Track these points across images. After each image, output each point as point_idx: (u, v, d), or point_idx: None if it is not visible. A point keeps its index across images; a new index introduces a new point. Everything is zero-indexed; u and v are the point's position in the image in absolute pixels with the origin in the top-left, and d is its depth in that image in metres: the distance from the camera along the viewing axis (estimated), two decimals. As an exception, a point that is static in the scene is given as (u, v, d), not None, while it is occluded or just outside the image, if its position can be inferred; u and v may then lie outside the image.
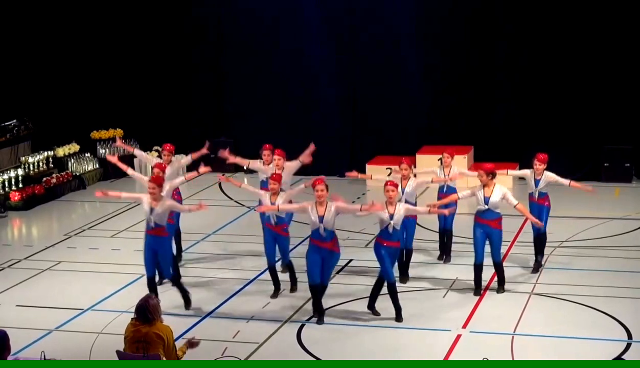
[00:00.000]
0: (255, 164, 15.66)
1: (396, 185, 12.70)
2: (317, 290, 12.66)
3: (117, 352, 9.90)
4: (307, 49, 22.20)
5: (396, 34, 21.66)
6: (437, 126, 21.47)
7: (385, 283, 12.58)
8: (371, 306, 12.94)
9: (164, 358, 9.77)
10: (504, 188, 13.61)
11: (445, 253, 15.54)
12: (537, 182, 14.51)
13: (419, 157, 20.53)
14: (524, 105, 21.03)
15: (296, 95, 22.38)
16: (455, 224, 15.65)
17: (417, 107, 21.61)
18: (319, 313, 12.80)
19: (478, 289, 13.74)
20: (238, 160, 16.17)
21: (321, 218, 12.30)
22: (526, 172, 14.89)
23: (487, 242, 13.56)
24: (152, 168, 14.69)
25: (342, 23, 22.03)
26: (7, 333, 8.93)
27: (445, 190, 15.14)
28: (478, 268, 13.71)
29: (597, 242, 15.38)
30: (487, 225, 13.50)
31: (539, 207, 14.52)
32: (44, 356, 9.67)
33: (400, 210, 12.43)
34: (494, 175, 13.49)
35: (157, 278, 13.36)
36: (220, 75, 22.98)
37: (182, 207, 14.04)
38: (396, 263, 13.27)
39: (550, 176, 14.45)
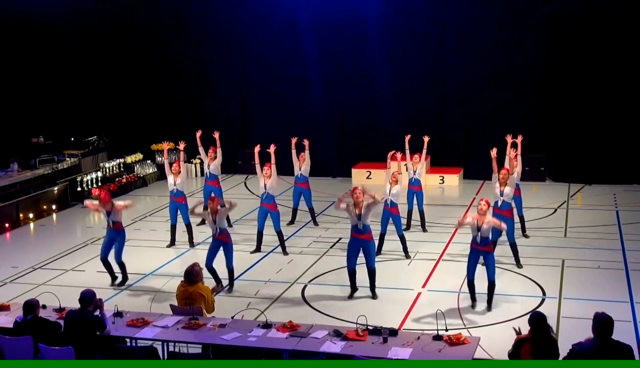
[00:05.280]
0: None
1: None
2: (350, 273, 12.13)
3: (171, 305, 9.92)
4: (307, 78, 21.70)
5: (372, 65, 21.23)
6: (403, 139, 21.18)
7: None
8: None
9: (205, 310, 9.80)
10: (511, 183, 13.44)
11: (422, 225, 15.79)
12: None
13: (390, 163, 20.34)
14: (465, 123, 20.86)
15: (297, 115, 21.87)
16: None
17: (388, 124, 21.13)
18: (352, 289, 12.18)
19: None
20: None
21: (359, 216, 11.81)
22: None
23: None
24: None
25: (332, 59, 21.53)
26: (95, 292, 9.04)
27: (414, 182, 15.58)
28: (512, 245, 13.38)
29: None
30: (502, 214, 13.18)
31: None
32: (117, 308, 9.70)
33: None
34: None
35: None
36: (244, 100, 22.80)
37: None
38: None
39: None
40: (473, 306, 11.55)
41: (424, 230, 15.65)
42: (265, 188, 14.39)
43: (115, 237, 12.87)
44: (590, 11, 19.44)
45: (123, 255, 12.93)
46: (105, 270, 13.02)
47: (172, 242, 15.13)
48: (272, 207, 14.48)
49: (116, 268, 13.02)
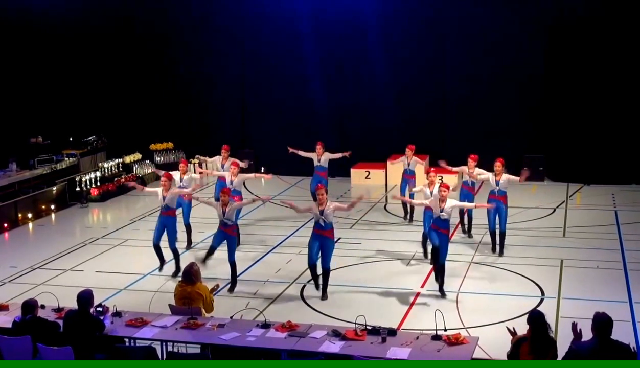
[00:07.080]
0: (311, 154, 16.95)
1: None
2: (311, 268, 12.12)
3: (169, 305, 9.91)
4: (306, 78, 21.66)
5: (372, 65, 21.22)
6: (402, 139, 21.17)
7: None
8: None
9: (204, 310, 9.79)
10: (506, 175, 13.77)
11: (410, 215, 16.36)
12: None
13: (389, 163, 20.30)
14: (464, 124, 20.89)
15: (297, 115, 21.87)
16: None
17: (388, 124, 21.18)
18: (315, 284, 12.28)
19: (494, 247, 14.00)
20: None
21: (321, 212, 11.88)
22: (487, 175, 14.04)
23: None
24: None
25: (332, 59, 21.50)
26: (93, 292, 9.03)
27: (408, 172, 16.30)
28: (492, 233, 13.93)
29: (520, 224, 15.25)
30: (498, 200, 13.61)
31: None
32: (116, 308, 9.69)
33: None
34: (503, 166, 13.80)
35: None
36: (244, 100, 22.81)
37: (181, 191, 14.05)
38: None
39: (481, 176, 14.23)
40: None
41: (410, 220, 15.86)
42: (232, 184, 14.76)
43: (167, 222, 13.07)
44: (590, 12, 19.43)
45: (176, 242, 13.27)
46: (156, 256, 13.20)
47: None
48: (236, 199, 14.63)
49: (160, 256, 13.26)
